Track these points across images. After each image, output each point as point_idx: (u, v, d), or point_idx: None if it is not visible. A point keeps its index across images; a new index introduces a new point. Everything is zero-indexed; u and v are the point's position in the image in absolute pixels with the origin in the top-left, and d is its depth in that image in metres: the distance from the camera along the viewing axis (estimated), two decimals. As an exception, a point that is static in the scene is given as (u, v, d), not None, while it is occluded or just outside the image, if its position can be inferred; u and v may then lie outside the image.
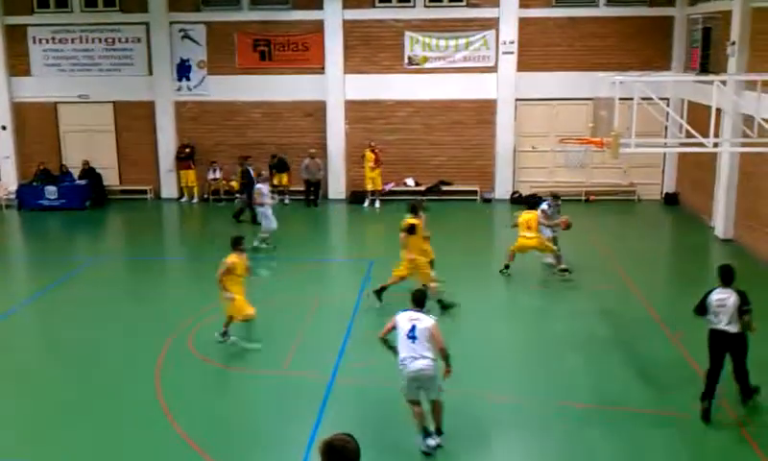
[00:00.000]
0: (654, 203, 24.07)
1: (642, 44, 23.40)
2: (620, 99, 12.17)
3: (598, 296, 15.20)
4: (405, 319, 9.42)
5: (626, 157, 15.19)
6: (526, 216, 16.20)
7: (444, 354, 9.36)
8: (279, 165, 24.34)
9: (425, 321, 9.37)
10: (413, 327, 9.29)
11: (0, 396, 11.42)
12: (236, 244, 12.78)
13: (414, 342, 9.23)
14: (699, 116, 14.79)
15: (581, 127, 20.06)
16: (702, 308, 10.27)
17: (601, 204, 23.88)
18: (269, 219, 18.73)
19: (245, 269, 12.78)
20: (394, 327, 9.51)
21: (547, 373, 11.94)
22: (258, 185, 18.95)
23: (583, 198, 24.16)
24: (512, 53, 23.76)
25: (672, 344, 12.81)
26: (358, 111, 24.63)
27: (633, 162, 22.87)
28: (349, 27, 24.12)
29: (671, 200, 23.83)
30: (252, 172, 21.35)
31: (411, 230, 14.04)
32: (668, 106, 16.16)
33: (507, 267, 16.40)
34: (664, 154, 23.35)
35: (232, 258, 12.52)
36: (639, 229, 21.98)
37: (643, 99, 12.54)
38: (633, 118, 12.27)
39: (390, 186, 24.37)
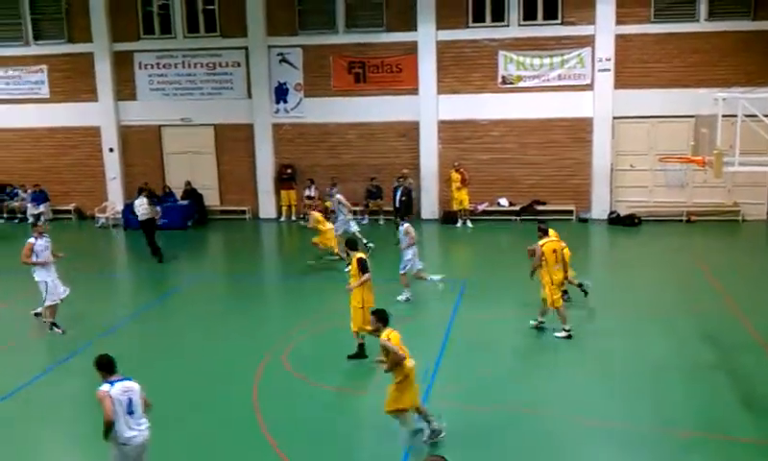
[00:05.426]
0: (759, 223, 23.13)
1: (746, 59, 22.60)
2: (723, 116, 11.80)
3: (700, 319, 14.68)
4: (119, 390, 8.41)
5: (729, 175, 14.69)
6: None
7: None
8: (377, 192, 24.85)
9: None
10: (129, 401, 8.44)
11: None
12: None
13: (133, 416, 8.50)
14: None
15: (682, 145, 19.54)
16: None
17: (703, 224, 23.11)
18: None
19: None
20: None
21: (647, 398, 11.55)
22: None
23: (684, 218, 23.45)
24: (608, 70, 23.37)
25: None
26: (451, 131, 24.67)
27: (737, 181, 22.10)
28: (443, 48, 24.22)
29: (778, 220, 22.86)
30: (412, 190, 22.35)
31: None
32: (775, 122, 15.54)
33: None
34: (771, 172, 22.46)
35: None
36: (744, 250, 21.16)
37: (747, 116, 12.12)
38: (736, 136, 11.88)
39: (483, 207, 24.27)
